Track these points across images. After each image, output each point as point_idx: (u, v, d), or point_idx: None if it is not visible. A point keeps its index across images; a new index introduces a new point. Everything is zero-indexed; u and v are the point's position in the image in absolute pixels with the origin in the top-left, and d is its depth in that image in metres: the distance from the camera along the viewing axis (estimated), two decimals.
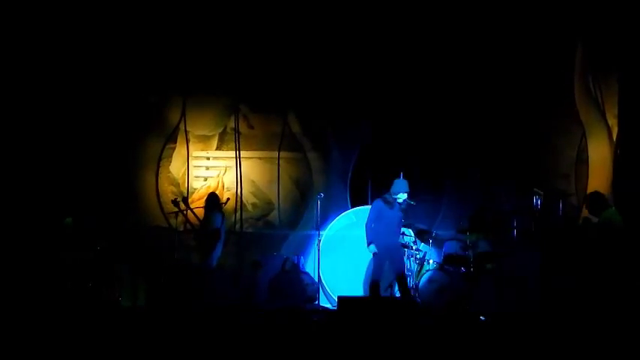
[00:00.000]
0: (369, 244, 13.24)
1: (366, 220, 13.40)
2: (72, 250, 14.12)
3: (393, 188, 13.35)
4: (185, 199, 15.21)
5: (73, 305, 13.42)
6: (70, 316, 12.49)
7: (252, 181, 16.64)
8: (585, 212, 15.08)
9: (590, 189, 15.31)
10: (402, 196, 13.24)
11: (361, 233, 14.38)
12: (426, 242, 14.45)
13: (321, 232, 15.21)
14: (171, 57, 16.26)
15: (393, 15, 15.94)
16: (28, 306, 12.95)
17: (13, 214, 14.75)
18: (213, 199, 14.77)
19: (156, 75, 16.35)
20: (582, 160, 15.88)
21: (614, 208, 13.17)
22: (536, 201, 14.27)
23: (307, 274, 14.70)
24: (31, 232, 14.55)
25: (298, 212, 16.63)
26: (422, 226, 14.48)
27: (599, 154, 15.49)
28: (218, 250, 14.49)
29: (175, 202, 14.76)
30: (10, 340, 10.39)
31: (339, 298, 12.46)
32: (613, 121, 15.11)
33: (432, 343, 10.53)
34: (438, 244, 14.46)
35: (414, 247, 14.21)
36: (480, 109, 15.98)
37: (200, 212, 14.92)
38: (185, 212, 14.77)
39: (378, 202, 13.44)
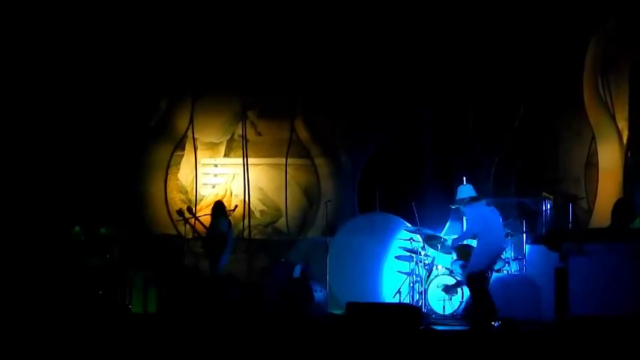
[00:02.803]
0: None
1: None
2: (82, 259, 14.12)
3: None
4: (190, 208, 15.19)
5: (84, 312, 13.38)
6: (82, 323, 12.34)
7: (260, 188, 16.82)
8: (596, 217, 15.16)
9: (600, 193, 15.36)
10: None
11: (370, 239, 14.62)
12: (435, 248, 14.27)
13: (329, 239, 15.14)
14: (179, 62, 16.33)
15: (400, 20, 15.90)
16: (39, 312, 12.92)
17: (23, 223, 14.81)
18: (219, 207, 14.80)
19: (164, 81, 16.43)
20: (592, 163, 15.76)
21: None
22: (545, 205, 14.23)
23: (316, 280, 14.56)
24: (41, 240, 14.56)
25: (306, 219, 16.77)
26: (430, 232, 14.49)
27: (609, 158, 15.36)
28: (226, 257, 14.51)
29: (180, 212, 14.84)
30: (20, 346, 10.34)
31: (348, 304, 12.24)
32: (623, 124, 15.12)
33: (439, 350, 10.60)
34: (447, 249, 14.15)
35: (422, 253, 14.12)
36: (490, 112, 15.97)
37: (207, 220, 14.83)
38: (190, 221, 14.85)
39: None
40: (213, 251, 14.50)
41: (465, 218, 12.97)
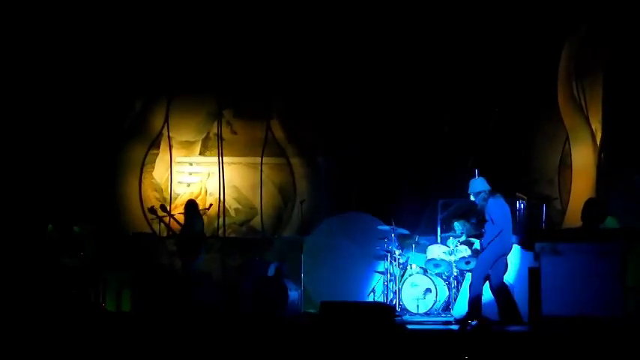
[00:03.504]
0: None
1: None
2: (56, 257, 14.00)
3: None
4: (163, 206, 15.27)
5: (58, 311, 13.36)
6: (55, 322, 12.35)
7: (235, 187, 16.87)
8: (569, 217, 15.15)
9: (573, 194, 15.44)
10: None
11: (344, 239, 14.82)
12: (409, 247, 14.47)
13: (304, 238, 15.35)
14: (155, 60, 16.36)
15: (375, 25, 15.92)
16: (11, 312, 12.91)
17: None
18: (191, 206, 14.86)
19: (140, 79, 16.44)
20: (566, 164, 15.86)
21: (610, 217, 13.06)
22: (519, 205, 14.23)
23: (290, 279, 14.61)
24: (14, 239, 14.61)
25: (281, 218, 16.81)
26: (405, 232, 14.55)
27: (583, 159, 15.48)
28: (201, 256, 14.63)
29: (152, 210, 14.92)
30: None
31: (322, 303, 12.11)
32: (597, 126, 15.20)
33: (413, 348, 10.60)
34: (421, 249, 14.39)
35: (396, 253, 14.23)
36: (466, 116, 16.10)
37: (180, 218, 14.93)
38: (163, 219, 14.83)
39: None
40: (186, 250, 14.52)
41: (488, 211, 12.51)
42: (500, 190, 12.91)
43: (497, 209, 12.38)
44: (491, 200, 12.40)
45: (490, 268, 12.41)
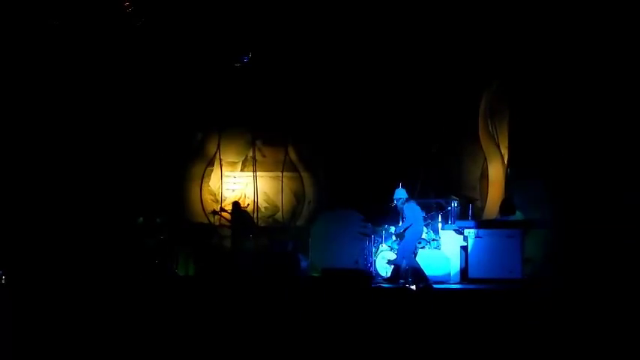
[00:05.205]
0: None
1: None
2: (142, 239, 14.25)
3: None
4: (221, 209, 15.40)
5: (144, 276, 13.62)
6: (143, 283, 12.70)
7: (265, 192, 16.74)
8: (487, 212, 15.38)
9: (489, 196, 15.51)
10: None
11: (338, 226, 14.91)
12: (380, 233, 14.38)
13: (310, 226, 15.53)
14: (211, 110, 16.26)
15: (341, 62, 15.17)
16: (111, 278, 13.06)
17: (106, 217, 14.93)
18: (235, 205, 15.26)
19: (201, 120, 16.29)
20: (484, 176, 15.82)
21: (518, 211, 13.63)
22: (453, 204, 14.39)
23: (301, 253, 14.69)
24: (114, 227, 14.65)
25: (295, 213, 16.70)
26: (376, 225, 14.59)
27: (495, 173, 15.59)
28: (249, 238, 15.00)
29: (214, 212, 15.35)
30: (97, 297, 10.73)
31: (323, 269, 12.79)
32: (504, 151, 15.33)
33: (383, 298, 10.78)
34: (389, 234, 14.18)
35: (371, 236, 14.39)
36: (420, 145, 15.75)
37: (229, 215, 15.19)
38: (221, 214, 15.21)
39: None
40: (238, 234, 14.87)
41: (404, 212, 12.77)
42: (443, 193, 13.46)
43: (411, 210, 12.62)
44: (406, 204, 12.61)
45: (413, 249, 12.62)
